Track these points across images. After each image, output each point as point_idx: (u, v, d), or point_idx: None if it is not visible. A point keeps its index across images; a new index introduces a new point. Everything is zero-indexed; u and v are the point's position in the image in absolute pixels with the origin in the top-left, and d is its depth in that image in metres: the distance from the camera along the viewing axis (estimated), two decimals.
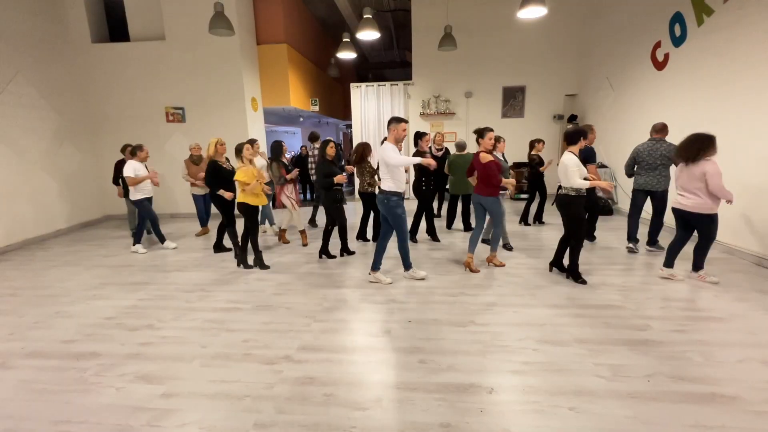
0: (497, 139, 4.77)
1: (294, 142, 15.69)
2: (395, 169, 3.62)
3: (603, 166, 6.99)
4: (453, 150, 5.56)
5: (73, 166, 6.85)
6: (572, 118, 8.27)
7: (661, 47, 5.64)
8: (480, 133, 3.99)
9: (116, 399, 2.22)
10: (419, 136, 5.25)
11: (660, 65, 5.69)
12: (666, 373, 2.31)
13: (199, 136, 7.03)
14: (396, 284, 3.83)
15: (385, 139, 3.69)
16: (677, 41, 5.30)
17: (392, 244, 3.98)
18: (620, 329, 2.84)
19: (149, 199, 5.16)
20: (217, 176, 4.55)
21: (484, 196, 3.99)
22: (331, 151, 4.56)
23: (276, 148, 5.28)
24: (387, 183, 3.65)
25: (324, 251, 4.71)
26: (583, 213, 3.75)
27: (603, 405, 2.06)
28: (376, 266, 3.89)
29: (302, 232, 5.36)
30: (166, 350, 2.73)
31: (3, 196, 5.53)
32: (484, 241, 4.93)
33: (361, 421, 1.98)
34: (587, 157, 4.76)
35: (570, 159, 3.59)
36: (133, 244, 5.26)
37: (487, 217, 4.22)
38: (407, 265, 3.94)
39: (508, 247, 4.85)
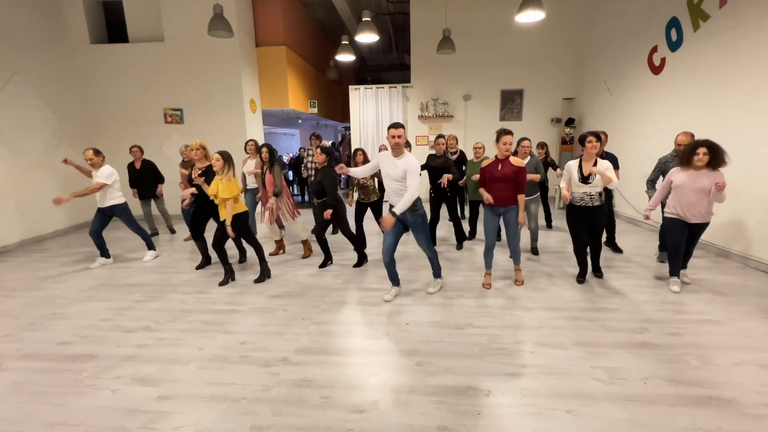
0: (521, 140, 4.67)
1: (293, 144, 15.73)
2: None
3: None
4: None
5: (70, 167, 6.81)
6: (570, 122, 8.31)
7: (657, 52, 5.68)
8: None
9: (112, 401, 2.21)
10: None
11: (656, 69, 5.73)
12: (663, 376, 2.32)
13: (197, 138, 7.00)
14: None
15: (409, 146, 3.37)
16: (673, 46, 5.34)
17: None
18: (617, 332, 2.85)
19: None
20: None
21: None
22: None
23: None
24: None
25: (359, 244, 4.52)
26: (569, 217, 3.73)
27: (600, 408, 2.06)
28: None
29: (305, 242, 4.86)
30: (163, 352, 2.72)
31: (0, 196, 5.51)
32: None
33: (358, 424, 1.98)
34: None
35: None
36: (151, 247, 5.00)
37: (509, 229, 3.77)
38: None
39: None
